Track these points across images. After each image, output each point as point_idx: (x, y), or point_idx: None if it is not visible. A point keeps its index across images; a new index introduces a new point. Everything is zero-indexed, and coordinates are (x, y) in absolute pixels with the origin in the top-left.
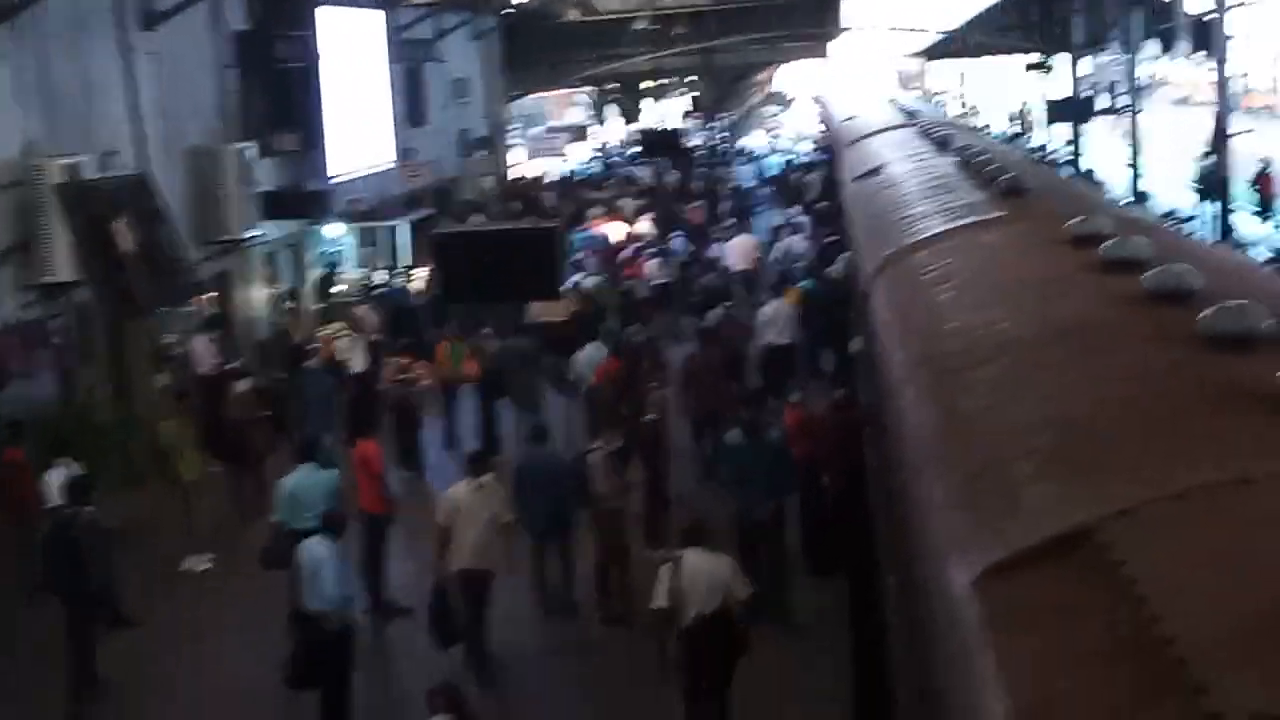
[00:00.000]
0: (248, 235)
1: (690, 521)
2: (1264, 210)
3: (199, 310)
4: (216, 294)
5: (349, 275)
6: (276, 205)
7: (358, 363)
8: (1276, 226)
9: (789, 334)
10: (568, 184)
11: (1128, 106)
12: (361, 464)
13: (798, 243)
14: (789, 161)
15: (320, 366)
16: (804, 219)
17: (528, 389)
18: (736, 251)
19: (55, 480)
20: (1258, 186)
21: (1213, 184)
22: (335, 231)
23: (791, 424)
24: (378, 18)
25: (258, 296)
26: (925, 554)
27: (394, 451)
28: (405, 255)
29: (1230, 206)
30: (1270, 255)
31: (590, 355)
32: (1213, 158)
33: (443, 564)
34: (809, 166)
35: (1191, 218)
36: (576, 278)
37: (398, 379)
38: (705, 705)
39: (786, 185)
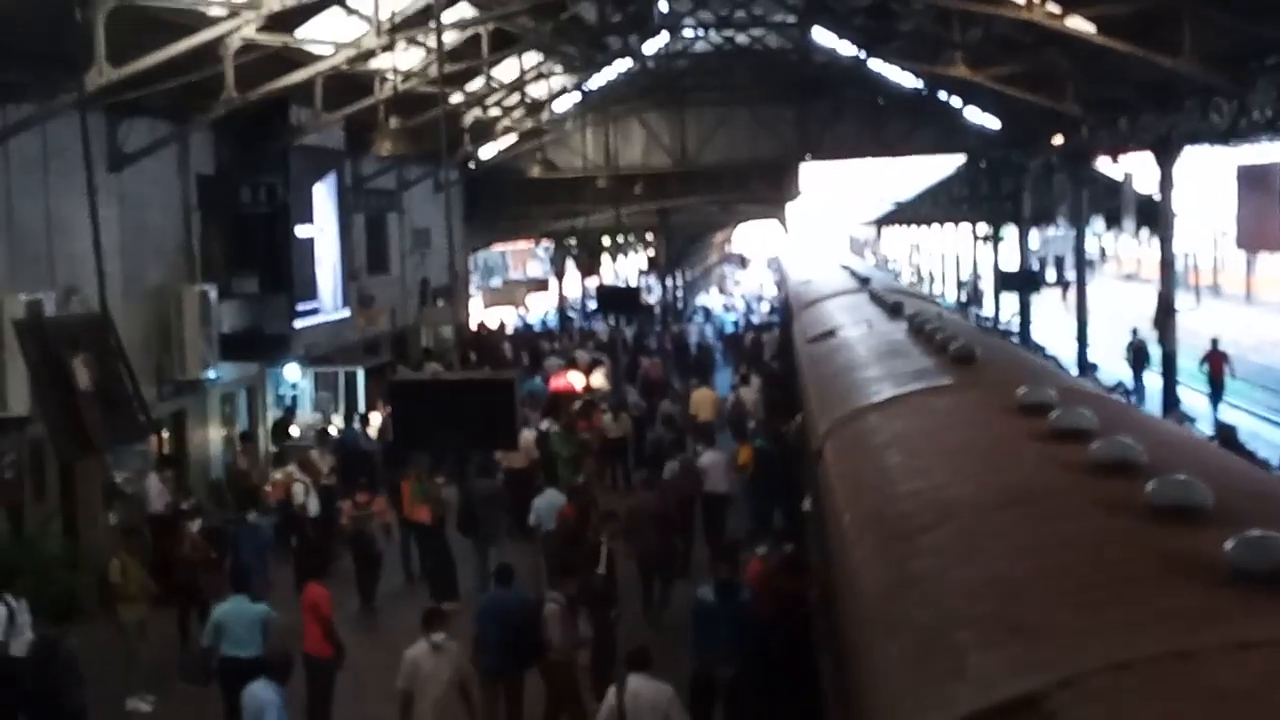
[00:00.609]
0: (205, 376)
1: (636, 647)
2: (1214, 390)
3: (152, 450)
4: (170, 433)
5: (305, 419)
6: (235, 347)
7: (311, 506)
8: (1217, 405)
9: (724, 484)
10: (525, 335)
11: (1073, 281)
12: (310, 607)
13: (748, 394)
14: (746, 320)
15: (260, 517)
16: (754, 377)
17: (492, 527)
18: (698, 404)
19: None
20: (1206, 365)
21: (1141, 357)
22: (293, 375)
23: (754, 577)
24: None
25: (213, 437)
26: (872, 715)
27: (353, 587)
28: (361, 400)
29: (1176, 379)
30: (1213, 431)
31: (550, 500)
32: (1140, 334)
33: None
34: (765, 327)
35: (1138, 390)
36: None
37: (354, 515)
38: None
39: (742, 344)
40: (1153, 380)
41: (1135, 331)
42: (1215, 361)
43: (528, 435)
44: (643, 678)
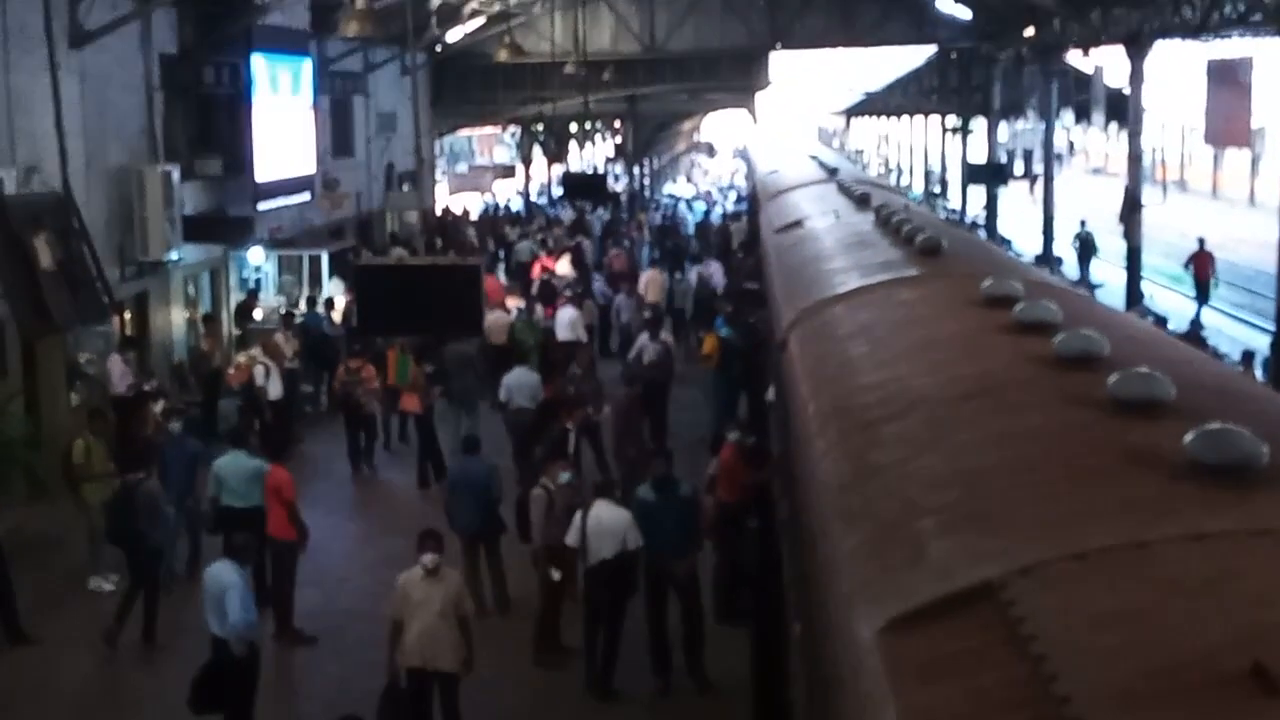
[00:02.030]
0: (168, 257)
1: (602, 479)
2: (1199, 293)
3: (115, 330)
4: (133, 315)
5: (268, 302)
6: (198, 229)
7: (272, 389)
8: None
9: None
10: (490, 221)
11: (1041, 174)
12: (273, 490)
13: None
14: (709, 210)
15: (183, 430)
16: (715, 263)
17: (468, 391)
18: (647, 285)
19: None
20: (1191, 267)
21: (1088, 248)
22: (256, 258)
23: (726, 461)
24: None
25: (176, 319)
26: (831, 604)
27: (343, 449)
28: (334, 285)
29: (1140, 275)
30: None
31: (518, 378)
32: (1086, 225)
33: (394, 661)
34: (734, 216)
35: (1085, 281)
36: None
37: (345, 380)
38: (602, 630)
39: (709, 233)
40: (1113, 274)
41: (1083, 223)
42: (1201, 263)
43: (504, 316)
44: (606, 504)
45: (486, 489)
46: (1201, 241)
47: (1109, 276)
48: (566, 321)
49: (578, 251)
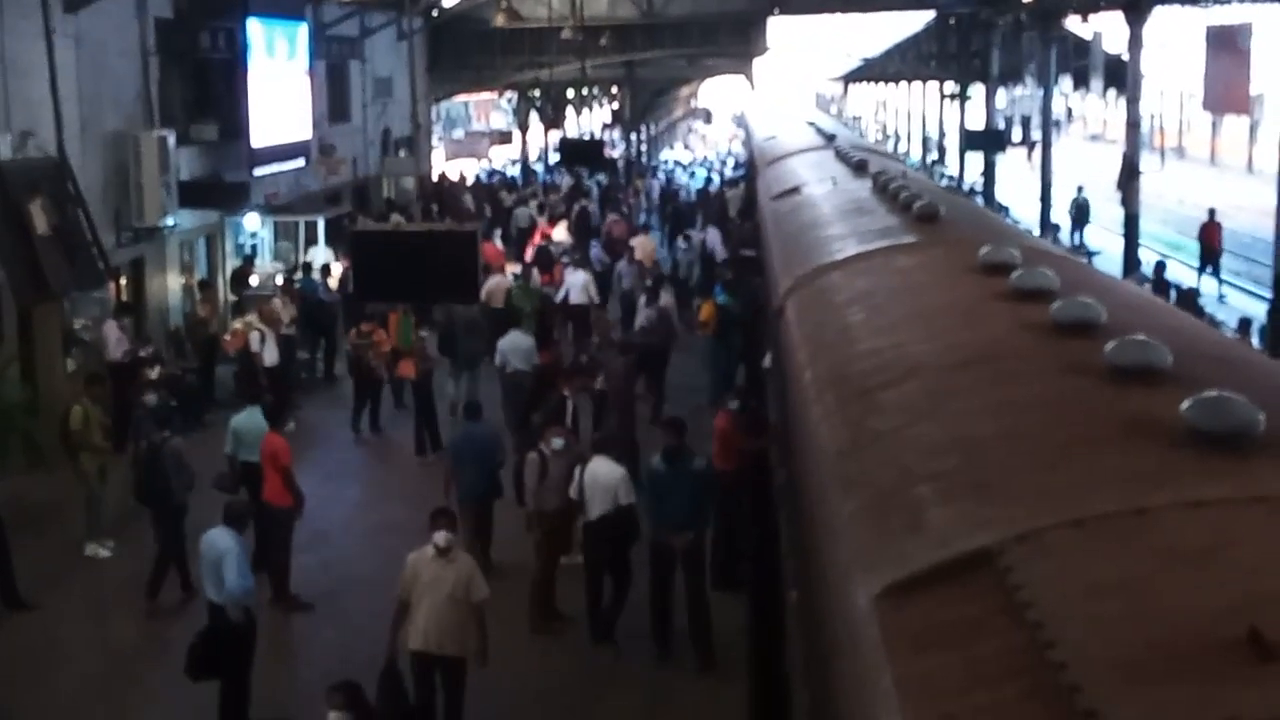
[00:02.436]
0: (164, 223)
1: (603, 434)
2: (1206, 264)
3: (110, 296)
4: (129, 281)
5: (264, 268)
6: (194, 194)
7: (268, 355)
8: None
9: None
10: (487, 187)
11: (1039, 141)
12: (269, 457)
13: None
14: (709, 178)
15: (157, 399)
16: (714, 230)
17: (471, 353)
18: (639, 248)
19: None
20: (1202, 238)
21: (1083, 214)
22: (252, 224)
23: (722, 428)
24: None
25: (172, 285)
26: (828, 571)
27: (340, 416)
28: (322, 251)
29: (1139, 242)
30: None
31: (513, 341)
32: (1083, 191)
33: (395, 641)
34: (731, 182)
35: (1080, 246)
36: None
37: (356, 343)
38: (601, 581)
39: (708, 199)
40: (1111, 240)
41: (1080, 189)
42: (1210, 234)
43: (503, 280)
44: (604, 460)
45: (491, 454)
46: (1212, 212)
47: (1106, 243)
48: (580, 284)
49: (583, 215)
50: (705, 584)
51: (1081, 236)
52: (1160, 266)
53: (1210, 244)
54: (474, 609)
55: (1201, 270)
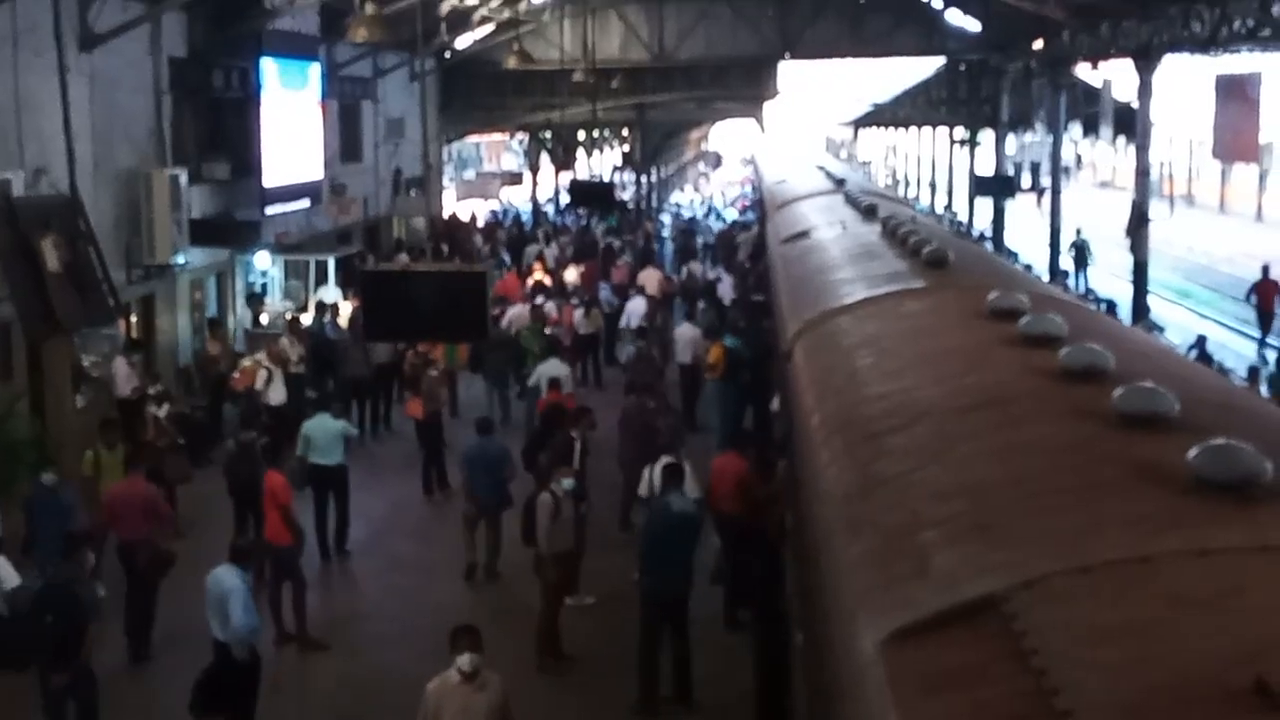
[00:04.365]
0: (175, 261)
1: (672, 462)
2: (1263, 326)
3: (120, 333)
4: (139, 318)
5: (274, 307)
6: (206, 233)
7: (274, 395)
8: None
9: (691, 355)
10: (498, 228)
11: (1048, 187)
12: (269, 495)
13: (696, 267)
14: (720, 220)
15: (58, 481)
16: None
17: (500, 369)
18: (645, 280)
19: None
20: (1255, 297)
21: (1083, 255)
22: (263, 263)
23: (737, 472)
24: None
25: (182, 322)
26: (835, 614)
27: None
28: (332, 290)
29: (1147, 289)
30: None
31: (551, 368)
32: (1082, 234)
33: None
34: (743, 225)
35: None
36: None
37: (414, 363)
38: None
39: (721, 242)
40: (1119, 285)
41: (1079, 232)
42: (1266, 292)
43: (525, 310)
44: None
45: (500, 467)
46: (1266, 269)
47: (1115, 289)
48: (639, 313)
49: (608, 251)
50: (687, 624)
51: (1084, 280)
52: (1202, 340)
53: (1267, 306)
54: None
55: (1263, 340)
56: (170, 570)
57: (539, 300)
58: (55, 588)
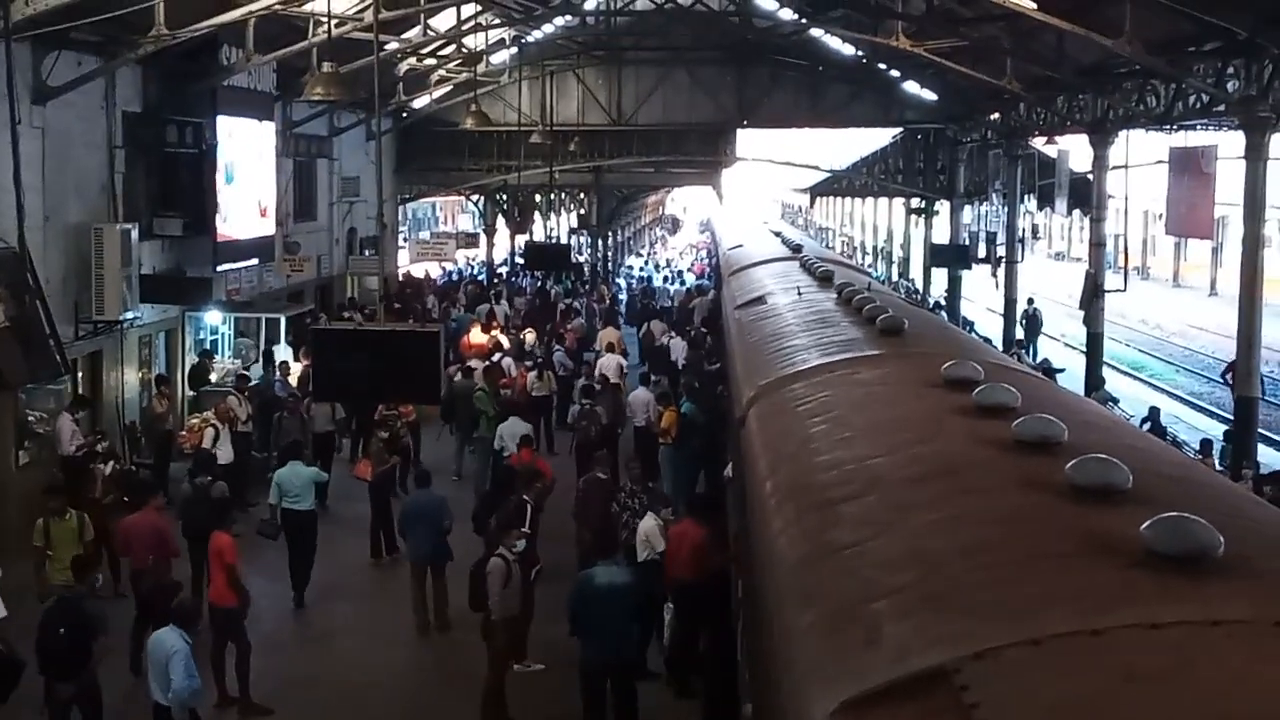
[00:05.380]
0: (124, 316)
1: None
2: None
3: (66, 389)
4: (86, 374)
5: (223, 364)
6: (156, 289)
7: (222, 454)
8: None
9: (644, 418)
10: (452, 288)
11: (1004, 257)
12: (215, 555)
13: (657, 326)
14: (680, 283)
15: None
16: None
17: (467, 419)
18: (604, 339)
19: None
20: (1231, 375)
21: (1034, 324)
22: (213, 319)
23: (693, 539)
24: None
25: (129, 379)
26: (785, 683)
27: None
28: (283, 348)
29: (1103, 361)
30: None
31: (511, 427)
32: (1034, 303)
33: None
34: (700, 290)
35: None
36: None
37: (384, 415)
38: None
39: (679, 306)
40: (1072, 357)
41: (1030, 300)
42: None
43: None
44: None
45: (438, 519)
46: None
47: (1068, 360)
48: (614, 367)
49: (568, 312)
50: (635, 693)
51: (1033, 349)
52: (1155, 412)
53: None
54: None
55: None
56: (175, 598)
57: (496, 358)
58: (66, 602)
